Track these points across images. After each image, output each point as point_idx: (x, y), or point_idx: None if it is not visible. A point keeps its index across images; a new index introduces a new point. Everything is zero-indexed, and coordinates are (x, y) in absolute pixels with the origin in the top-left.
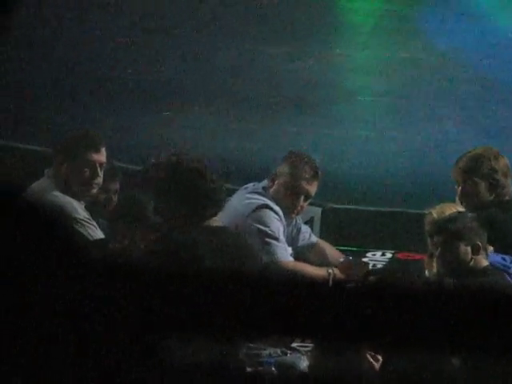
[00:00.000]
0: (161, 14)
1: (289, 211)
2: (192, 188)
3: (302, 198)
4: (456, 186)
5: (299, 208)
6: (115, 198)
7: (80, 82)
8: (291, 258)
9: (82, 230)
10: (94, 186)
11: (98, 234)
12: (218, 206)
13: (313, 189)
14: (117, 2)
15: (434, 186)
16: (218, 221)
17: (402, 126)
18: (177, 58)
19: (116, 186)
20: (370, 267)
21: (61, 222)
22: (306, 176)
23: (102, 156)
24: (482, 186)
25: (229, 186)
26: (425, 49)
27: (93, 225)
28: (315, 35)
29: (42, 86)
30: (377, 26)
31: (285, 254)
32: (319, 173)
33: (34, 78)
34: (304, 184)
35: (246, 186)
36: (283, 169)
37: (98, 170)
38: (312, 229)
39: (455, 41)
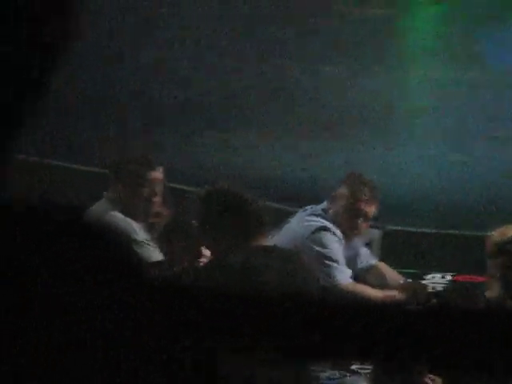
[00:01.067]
0: (221, 34)
1: (348, 233)
2: (229, 214)
3: (362, 219)
4: None
5: (359, 230)
6: (164, 221)
7: (138, 103)
8: (350, 280)
9: (141, 251)
10: (153, 205)
11: (156, 255)
12: (261, 225)
13: (372, 210)
14: (176, 23)
15: (497, 208)
16: (265, 241)
17: (463, 148)
18: (236, 79)
19: (167, 209)
20: (430, 290)
21: (120, 243)
22: (365, 198)
23: (159, 174)
24: None
25: (288, 208)
26: (485, 70)
27: (151, 246)
28: (377, 56)
29: (101, 108)
30: (437, 47)
31: (344, 276)
32: (378, 194)
33: (92, 99)
34: (363, 206)
35: (305, 208)
36: (342, 191)
37: (156, 188)
38: (372, 251)
39: None
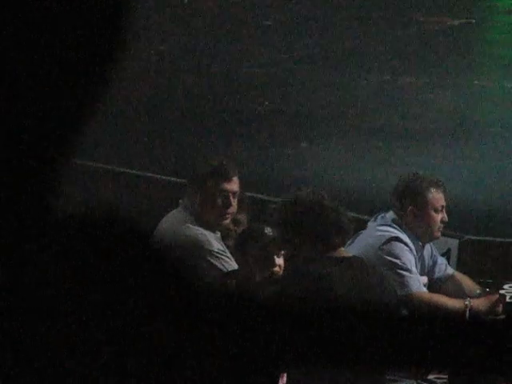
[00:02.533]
0: (299, 46)
1: (425, 236)
2: (312, 221)
3: (435, 218)
4: None
5: (436, 230)
6: (239, 230)
7: (216, 113)
8: (425, 289)
9: (215, 262)
10: (227, 215)
11: (232, 265)
12: (342, 235)
13: (440, 202)
14: (254, 34)
15: None
16: (344, 251)
17: None
18: (313, 89)
19: (243, 216)
20: (508, 299)
21: (194, 254)
22: (435, 195)
23: (234, 185)
24: None
25: (359, 216)
26: None
27: (227, 256)
28: (452, 66)
29: (178, 117)
30: None
31: (419, 285)
32: (443, 186)
33: (168, 109)
34: (435, 204)
35: (375, 216)
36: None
37: (231, 199)
38: (449, 261)
39: None
